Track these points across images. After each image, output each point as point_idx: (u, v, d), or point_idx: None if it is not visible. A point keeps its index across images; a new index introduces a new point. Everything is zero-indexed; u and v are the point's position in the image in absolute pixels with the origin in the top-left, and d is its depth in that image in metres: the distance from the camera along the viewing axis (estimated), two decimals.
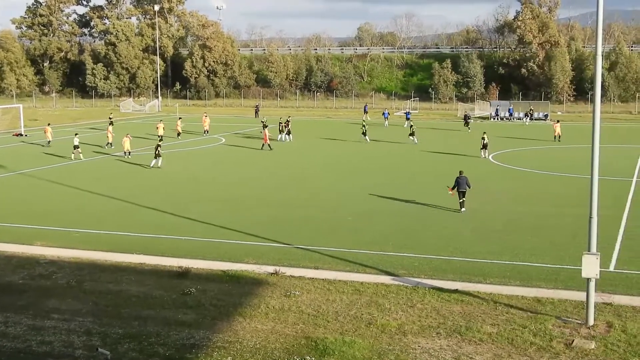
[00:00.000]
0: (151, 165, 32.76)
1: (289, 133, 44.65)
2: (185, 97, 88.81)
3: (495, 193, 26.14)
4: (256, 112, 68.22)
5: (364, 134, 43.13)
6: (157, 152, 32.69)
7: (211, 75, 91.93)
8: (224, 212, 22.63)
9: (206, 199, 25.06)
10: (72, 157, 35.41)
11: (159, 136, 44.41)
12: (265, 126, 42.32)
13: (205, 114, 51.73)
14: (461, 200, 23.30)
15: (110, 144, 40.43)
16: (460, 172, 23.80)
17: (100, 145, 41.53)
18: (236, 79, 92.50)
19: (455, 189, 23.29)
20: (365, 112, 65.06)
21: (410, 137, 42.52)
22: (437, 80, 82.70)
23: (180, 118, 48.18)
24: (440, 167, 32.59)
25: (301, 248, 18.02)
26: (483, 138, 36.31)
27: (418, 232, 19.89)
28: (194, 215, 22.01)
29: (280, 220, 21.43)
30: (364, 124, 43.94)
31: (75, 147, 35.78)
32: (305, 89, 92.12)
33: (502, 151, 39.18)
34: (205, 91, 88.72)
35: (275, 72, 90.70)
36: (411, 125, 43.06)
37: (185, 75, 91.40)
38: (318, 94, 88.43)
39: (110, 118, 53.68)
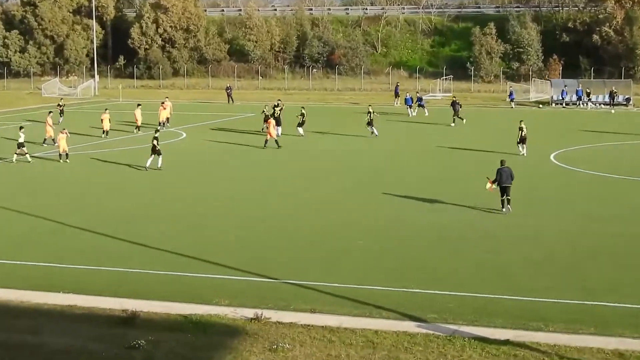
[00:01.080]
0: (147, 166, 33.58)
1: (277, 123, 44.90)
2: (131, 76, 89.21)
3: (558, 206, 26.25)
4: (229, 96, 68.52)
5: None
6: (155, 148, 33.35)
7: (167, 45, 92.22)
8: (185, 234, 22.65)
9: (162, 217, 25.11)
10: (14, 160, 35.79)
11: (104, 131, 44.47)
12: (267, 117, 43.01)
13: (166, 99, 51.83)
14: (503, 197, 24.69)
15: (53, 139, 40.33)
16: (502, 162, 25.14)
17: (35, 141, 41.28)
18: (202, 50, 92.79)
19: (496, 183, 24.64)
20: (397, 95, 65.13)
21: (369, 128, 43.84)
22: (478, 51, 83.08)
23: (139, 105, 48.20)
24: (470, 168, 33.41)
25: (292, 283, 18.02)
26: (521, 129, 36.76)
27: (452, 260, 19.99)
28: (145, 238, 22.01)
29: (263, 245, 21.45)
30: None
31: (20, 145, 35.85)
32: (296, 64, 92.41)
33: (568, 148, 39.40)
34: (159, 67, 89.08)
35: (256, 42, 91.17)
36: (369, 112, 43.98)
37: (131, 46, 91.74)
38: (314, 70, 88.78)
39: (60, 105, 52.38)
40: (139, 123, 46.75)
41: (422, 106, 56.49)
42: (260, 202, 27.29)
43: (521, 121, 37.42)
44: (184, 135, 46.46)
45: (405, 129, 48.74)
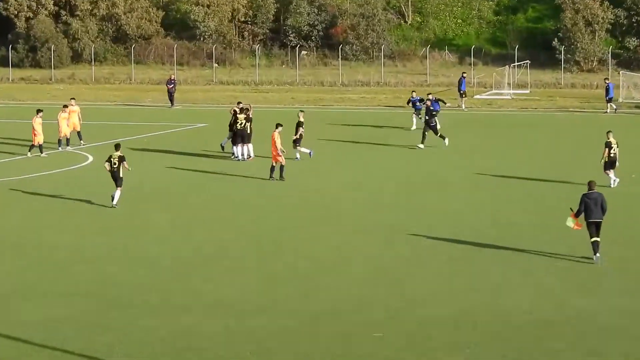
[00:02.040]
0: (114, 203, 34.93)
1: (243, 139, 44.77)
2: (4, 63, 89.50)
3: None
4: (170, 95, 68.19)
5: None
6: (118, 175, 35.00)
7: (64, 13, 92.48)
8: (83, 321, 22.33)
9: (47, 292, 24.88)
10: None
11: None
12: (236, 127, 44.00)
13: (71, 102, 51.45)
14: (594, 239, 26.06)
15: None
16: (590, 185, 26.47)
17: None
18: (119, 21, 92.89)
19: (581, 215, 26.09)
20: (462, 93, 65.77)
21: (296, 150, 44.82)
22: (571, 21, 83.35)
23: (39, 112, 47.92)
24: (542, 201, 35.00)
25: None
26: (609, 144, 37.55)
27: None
28: (17, 329, 21.64)
29: (215, 342, 21.13)
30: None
31: None
32: (273, 44, 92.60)
33: None
34: (49, 49, 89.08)
35: (208, 6, 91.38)
36: (299, 123, 44.61)
37: (4, 13, 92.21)
38: (304, 54, 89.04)
39: None
40: (38, 140, 46.37)
41: (418, 110, 55.52)
42: (207, 269, 27.08)
43: (609, 132, 38.06)
44: (90, 158, 46.27)
45: (435, 147, 48.60)
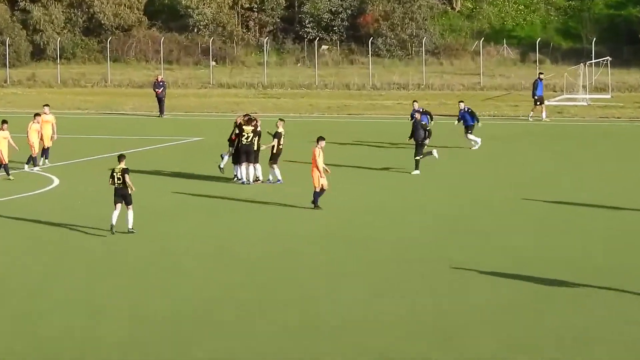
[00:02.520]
0: (113, 225, 35.89)
1: (247, 157, 44.80)
2: None
3: None
4: (160, 101, 68.24)
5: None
6: (126, 193, 35.59)
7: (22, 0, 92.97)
8: None
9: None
10: None
11: None
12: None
13: (44, 109, 51.72)
14: None
15: None
16: None
17: None
18: (92, 9, 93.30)
19: None
20: (538, 99, 65.78)
21: (272, 170, 45.20)
22: None
23: (4, 123, 48.30)
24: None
25: None
26: None
27: None
28: None
29: None
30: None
31: None
32: (286, 38, 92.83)
33: None
34: (5, 44, 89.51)
35: None
36: (275, 137, 44.95)
37: None
38: (324, 49, 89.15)
39: None
40: (5, 159, 46.99)
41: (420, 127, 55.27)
42: (217, 323, 26.67)
43: None
44: (56, 181, 46.61)
45: (484, 168, 49.07)
